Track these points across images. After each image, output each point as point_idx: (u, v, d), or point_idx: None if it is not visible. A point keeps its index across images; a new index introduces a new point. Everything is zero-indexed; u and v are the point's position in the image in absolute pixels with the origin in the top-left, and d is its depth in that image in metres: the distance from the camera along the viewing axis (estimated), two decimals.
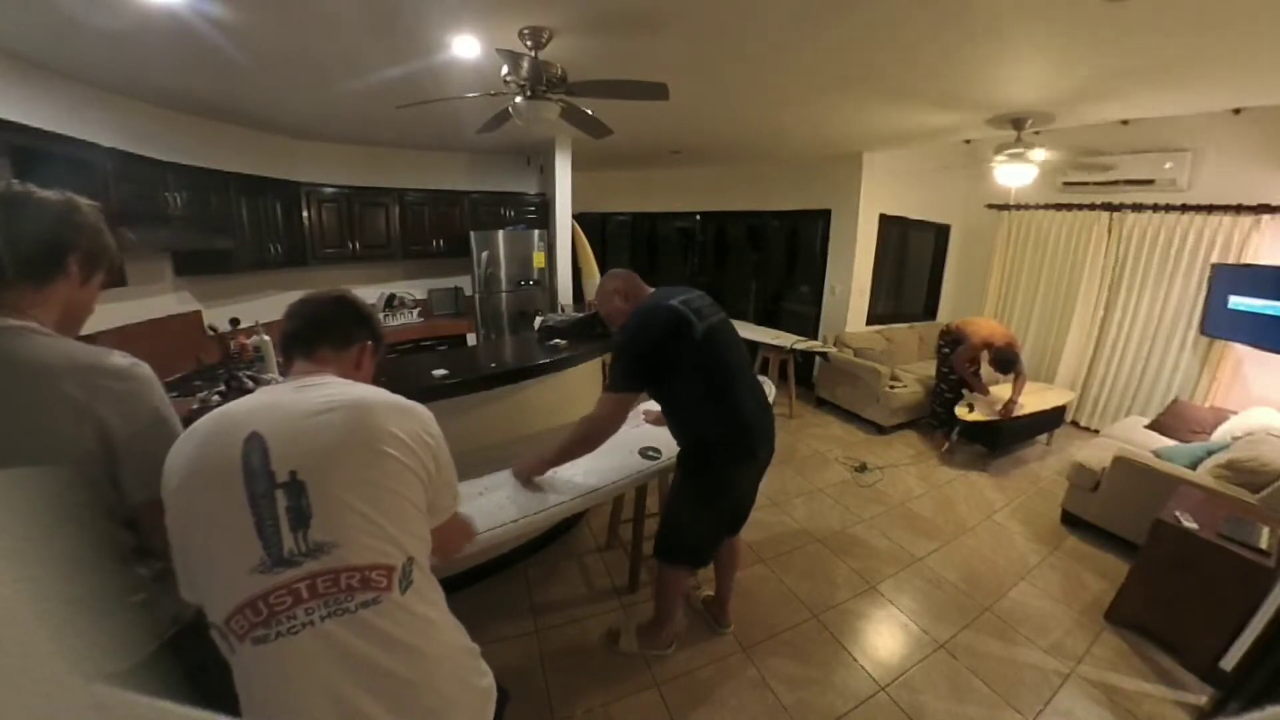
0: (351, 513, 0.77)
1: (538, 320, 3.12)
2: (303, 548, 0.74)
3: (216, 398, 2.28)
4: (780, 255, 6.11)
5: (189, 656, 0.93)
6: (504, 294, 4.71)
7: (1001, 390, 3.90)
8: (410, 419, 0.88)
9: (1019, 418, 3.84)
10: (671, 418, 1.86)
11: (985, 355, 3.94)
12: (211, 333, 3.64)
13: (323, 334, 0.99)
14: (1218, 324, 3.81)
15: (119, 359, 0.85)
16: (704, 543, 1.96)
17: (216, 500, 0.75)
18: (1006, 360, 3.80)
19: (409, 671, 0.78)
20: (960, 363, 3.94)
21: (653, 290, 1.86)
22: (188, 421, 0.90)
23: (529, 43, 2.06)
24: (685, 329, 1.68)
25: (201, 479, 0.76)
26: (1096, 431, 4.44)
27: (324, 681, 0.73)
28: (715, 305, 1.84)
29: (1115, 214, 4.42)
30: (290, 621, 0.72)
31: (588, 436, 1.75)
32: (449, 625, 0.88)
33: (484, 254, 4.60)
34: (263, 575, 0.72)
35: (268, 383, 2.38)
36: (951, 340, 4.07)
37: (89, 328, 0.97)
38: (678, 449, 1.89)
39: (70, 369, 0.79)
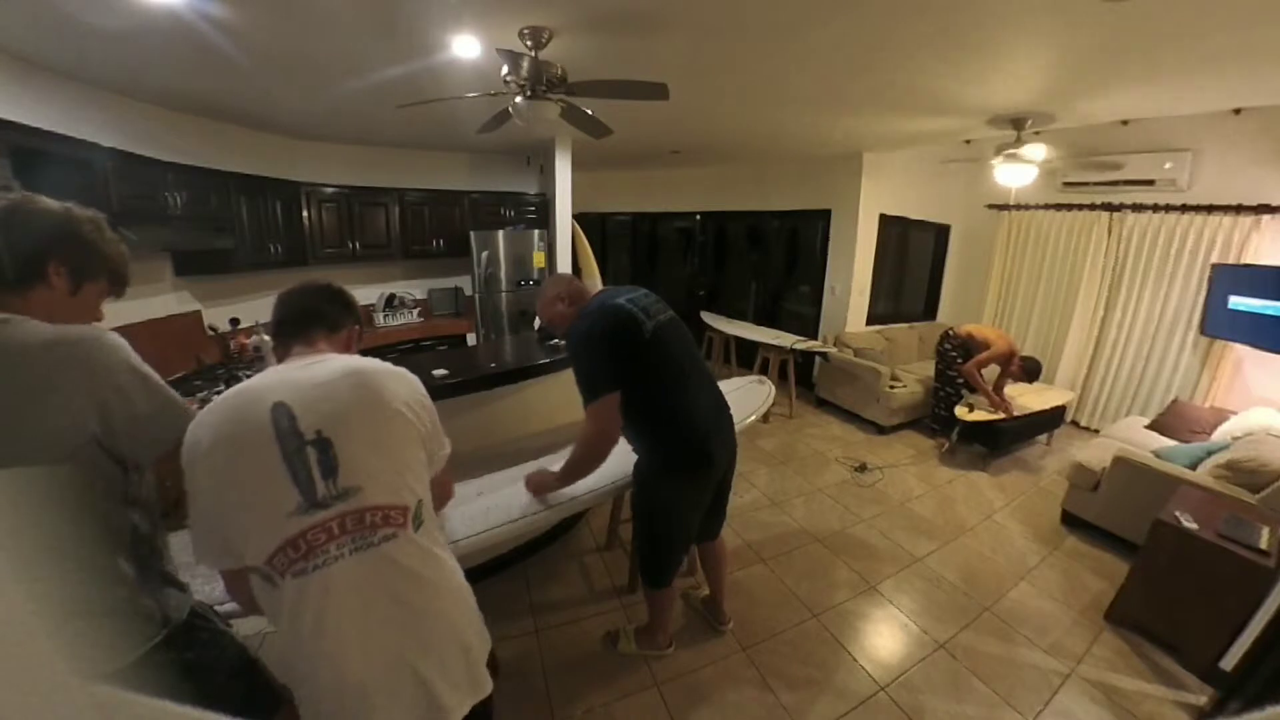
0: (371, 462, 0.91)
1: (538, 320, 3.11)
2: (333, 491, 0.87)
3: (216, 397, 2.28)
4: (780, 255, 6.11)
5: (184, 654, 0.94)
6: (504, 294, 4.71)
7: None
8: (406, 384, 1.02)
9: (1019, 417, 3.85)
10: (627, 425, 1.73)
11: (1012, 363, 3.93)
12: (211, 332, 3.64)
13: (317, 320, 1.08)
14: (1218, 324, 3.81)
15: (84, 329, 0.86)
16: (673, 557, 1.90)
17: (253, 459, 0.84)
18: (1035, 370, 3.91)
19: (422, 598, 0.93)
20: (972, 370, 3.91)
21: (597, 291, 1.79)
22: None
23: (529, 43, 2.06)
24: (633, 327, 1.62)
25: (235, 443, 0.85)
26: (1096, 431, 4.44)
27: (353, 605, 0.86)
28: (663, 303, 1.78)
29: (1115, 214, 4.42)
30: (324, 555, 0.85)
31: (588, 456, 1.68)
32: (453, 563, 1.03)
33: (484, 254, 4.61)
34: (301, 517, 0.84)
35: None
36: (959, 345, 4.06)
37: None
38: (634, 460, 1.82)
39: (45, 345, 0.80)
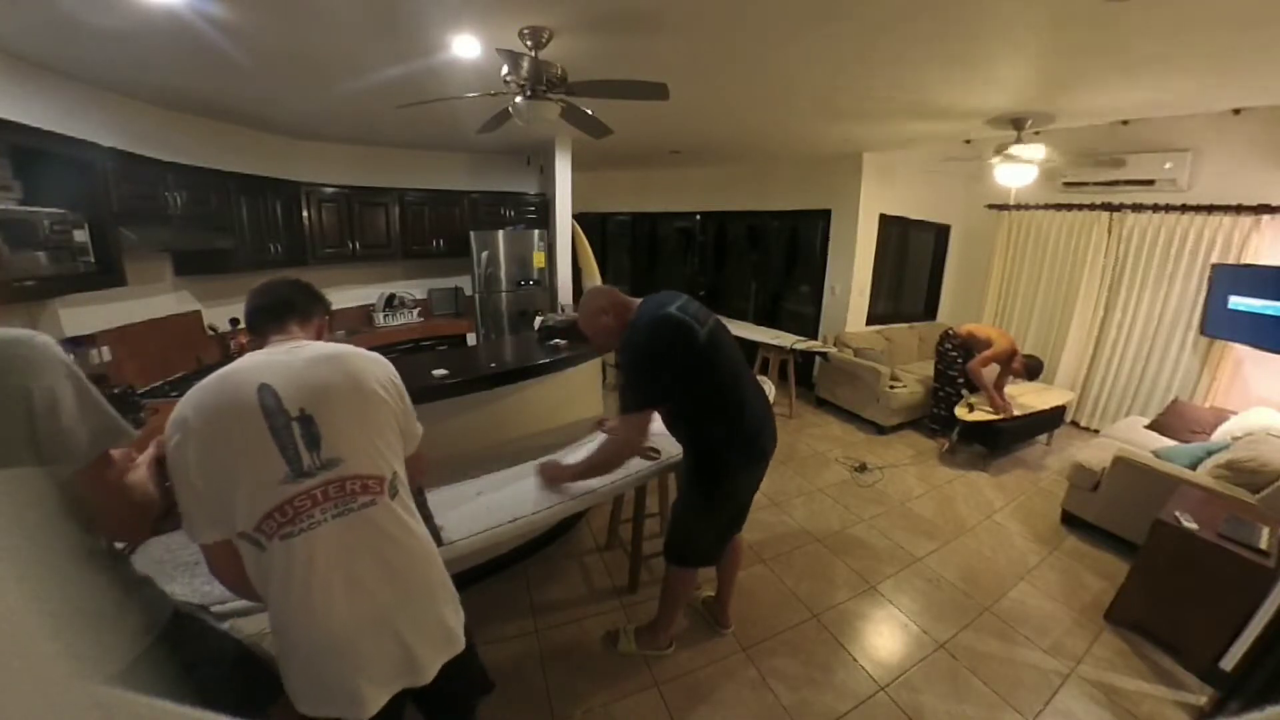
0: (351, 436, 0.99)
1: (538, 320, 3.11)
2: (317, 463, 0.95)
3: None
4: (780, 255, 6.11)
5: (174, 654, 0.93)
6: (504, 294, 4.71)
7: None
8: (381, 367, 1.10)
9: (1019, 417, 3.85)
10: (683, 427, 1.82)
11: (1013, 361, 3.95)
12: (211, 332, 3.64)
13: (290, 310, 1.15)
14: (1218, 324, 3.81)
15: (13, 330, 0.80)
16: (717, 544, 1.98)
17: (242, 434, 0.91)
18: (1037, 368, 3.96)
19: (398, 557, 1.02)
20: (976, 368, 3.90)
21: (639, 301, 1.78)
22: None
23: (529, 43, 2.06)
24: (690, 336, 1.65)
25: (226, 420, 0.91)
26: (1096, 431, 4.44)
27: (336, 563, 0.95)
28: (705, 308, 1.80)
29: (1115, 214, 4.42)
30: (309, 520, 0.93)
31: (611, 459, 1.81)
32: (425, 533, 1.11)
33: (484, 254, 4.61)
34: (288, 485, 0.92)
35: None
36: (960, 345, 4.06)
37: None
38: (684, 454, 1.87)
39: None
